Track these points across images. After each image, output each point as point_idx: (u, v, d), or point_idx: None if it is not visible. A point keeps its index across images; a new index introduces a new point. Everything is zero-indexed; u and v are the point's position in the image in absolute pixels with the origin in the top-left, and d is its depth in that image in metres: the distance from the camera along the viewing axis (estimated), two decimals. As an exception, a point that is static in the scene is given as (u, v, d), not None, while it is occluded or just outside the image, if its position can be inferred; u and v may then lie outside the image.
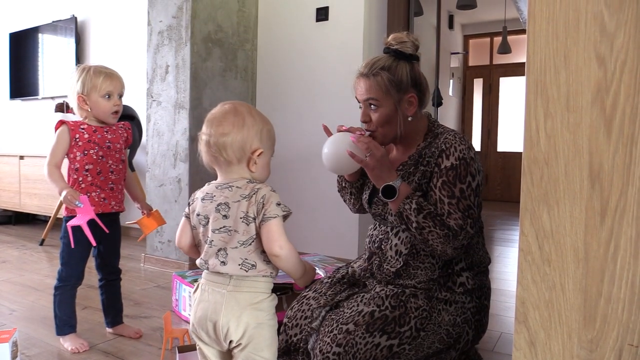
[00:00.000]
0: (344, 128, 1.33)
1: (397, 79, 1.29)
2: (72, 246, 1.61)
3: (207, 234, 1.04)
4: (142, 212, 1.78)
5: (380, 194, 1.26)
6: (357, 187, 1.50)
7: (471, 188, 1.24)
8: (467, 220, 1.22)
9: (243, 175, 1.05)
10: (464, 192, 1.23)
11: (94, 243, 1.57)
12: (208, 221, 1.04)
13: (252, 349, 1.02)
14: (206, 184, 1.09)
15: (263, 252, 1.02)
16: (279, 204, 1.01)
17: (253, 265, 1.02)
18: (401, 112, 1.31)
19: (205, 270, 1.07)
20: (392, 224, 1.36)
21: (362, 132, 1.32)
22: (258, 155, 1.04)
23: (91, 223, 1.54)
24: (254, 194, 1.01)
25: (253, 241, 1.02)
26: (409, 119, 1.33)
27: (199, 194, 1.09)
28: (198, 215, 1.06)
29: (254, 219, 1.00)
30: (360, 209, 1.54)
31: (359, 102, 1.35)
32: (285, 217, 1.03)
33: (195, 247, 1.12)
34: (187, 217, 1.11)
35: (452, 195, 1.23)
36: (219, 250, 1.03)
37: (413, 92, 1.31)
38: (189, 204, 1.11)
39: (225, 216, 1.02)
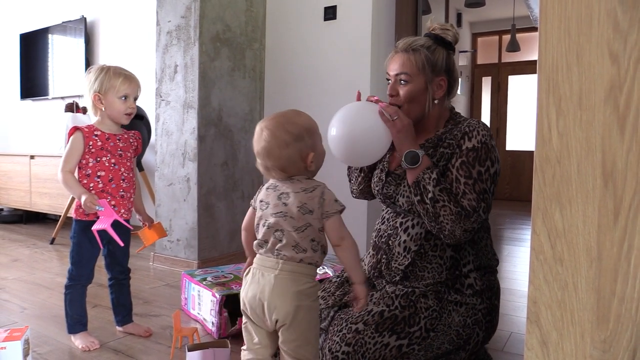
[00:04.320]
0: (374, 99, 1.33)
1: (434, 59, 1.32)
2: (101, 247, 1.67)
3: (266, 216, 1.14)
4: (144, 223, 1.79)
5: (402, 159, 1.27)
6: (369, 166, 1.49)
7: (489, 173, 1.24)
8: (481, 203, 1.22)
9: (303, 174, 1.15)
10: (482, 175, 1.23)
11: (121, 243, 1.60)
12: (269, 206, 1.13)
13: (296, 329, 1.09)
14: (270, 179, 1.19)
15: (313, 240, 1.10)
16: (336, 200, 1.12)
17: (304, 250, 1.10)
18: (430, 92, 1.32)
19: (258, 255, 1.14)
20: (401, 207, 1.35)
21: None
22: (312, 157, 1.12)
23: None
24: (314, 189, 1.11)
25: (306, 229, 1.09)
26: (435, 102, 1.34)
27: (265, 185, 1.19)
28: (261, 201, 1.16)
29: (311, 211, 1.09)
30: (362, 192, 1.53)
31: (388, 78, 1.37)
32: (340, 211, 1.12)
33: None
34: (253, 207, 1.21)
35: (469, 176, 1.23)
36: (276, 231, 1.11)
37: (444, 77, 1.34)
38: (255, 195, 1.21)
39: (285, 204, 1.11)
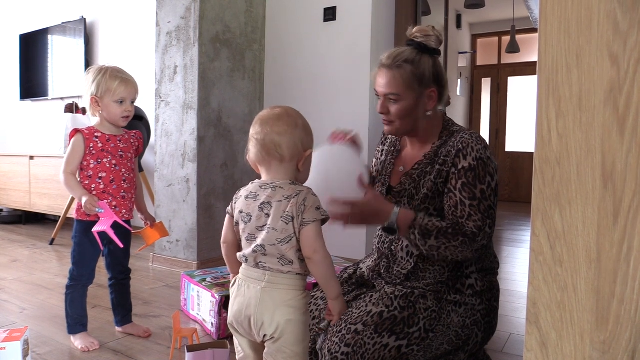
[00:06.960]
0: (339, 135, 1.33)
1: (420, 72, 1.28)
2: (102, 248, 1.68)
3: (249, 230, 1.08)
4: (146, 222, 1.79)
5: (383, 232, 1.27)
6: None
7: (491, 188, 1.24)
8: (487, 221, 1.22)
9: (289, 175, 1.09)
10: (485, 193, 1.23)
11: (121, 245, 1.60)
12: (251, 218, 1.08)
13: (284, 343, 1.05)
14: (250, 183, 1.12)
15: (299, 250, 1.05)
16: (318, 208, 1.04)
17: (290, 262, 1.05)
18: (421, 106, 1.31)
19: (244, 265, 1.10)
20: None
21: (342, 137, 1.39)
22: (308, 155, 1.09)
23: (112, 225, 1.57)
24: (297, 195, 1.04)
25: (290, 239, 1.04)
26: (428, 113, 1.32)
27: (242, 192, 1.12)
28: (241, 212, 1.10)
29: (293, 219, 1.03)
30: None
31: (377, 93, 1.34)
32: (323, 222, 1.06)
33: (238, 244, 1.16)
34: (230, 214, 1.15)
35: (474, 197, 1.22)
36: (259, 246, 1.06)
37: (434, 87, 1.31)
38: (232, 201, 1.15)
39: (267, 215, 1.05)
